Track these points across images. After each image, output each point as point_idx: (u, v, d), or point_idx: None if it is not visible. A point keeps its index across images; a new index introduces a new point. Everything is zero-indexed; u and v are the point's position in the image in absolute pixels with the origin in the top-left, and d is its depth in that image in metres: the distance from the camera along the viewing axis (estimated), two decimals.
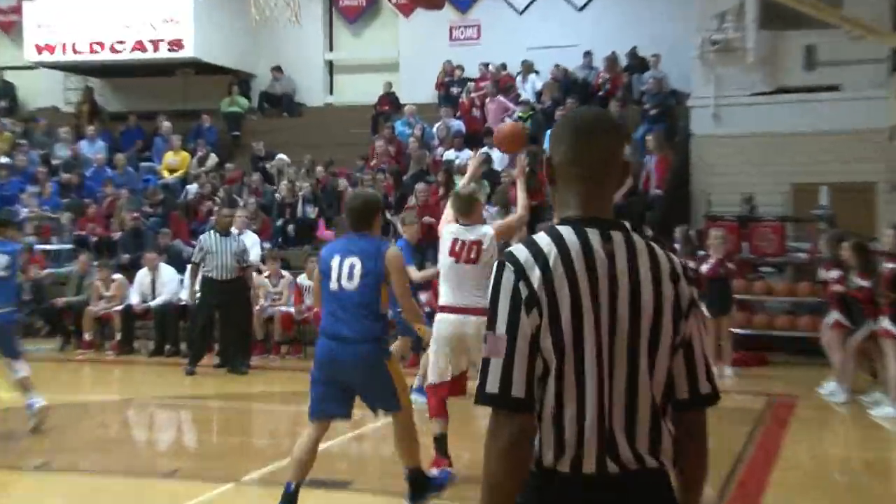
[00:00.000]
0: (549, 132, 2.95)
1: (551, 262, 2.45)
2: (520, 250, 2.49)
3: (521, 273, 2.45)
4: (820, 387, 10.83)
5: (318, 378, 6.16)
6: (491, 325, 2.47)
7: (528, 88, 18.46)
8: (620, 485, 2.46)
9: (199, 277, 13.25)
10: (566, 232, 2.52)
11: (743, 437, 8.72)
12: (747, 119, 16.24)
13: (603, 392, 2.45)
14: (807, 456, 8.71)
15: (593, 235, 2.51)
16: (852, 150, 15.23)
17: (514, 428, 2.42)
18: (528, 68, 18.79)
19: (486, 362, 2.46)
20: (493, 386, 2.43)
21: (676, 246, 13.58)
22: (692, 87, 17.07)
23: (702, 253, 13.79)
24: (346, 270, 6.03)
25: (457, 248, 7.03)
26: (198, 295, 13.42)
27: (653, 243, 2.59)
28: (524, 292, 2.44)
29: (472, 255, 6.99)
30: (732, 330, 12.67)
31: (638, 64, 18.08)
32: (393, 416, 6.37)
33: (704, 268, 12.67)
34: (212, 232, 13.47)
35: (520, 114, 17.39)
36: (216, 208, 16.37)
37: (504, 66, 18.96)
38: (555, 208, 2.72)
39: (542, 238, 2.52)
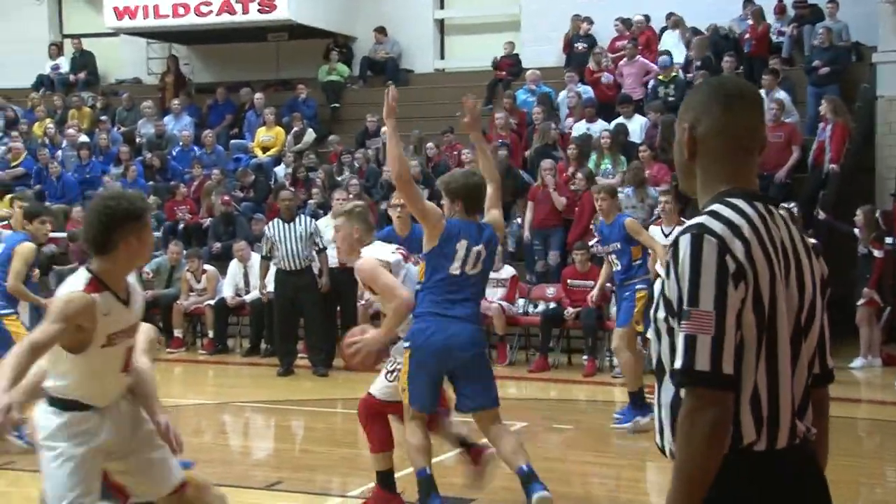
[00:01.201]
0: (687, 99, 2.92)
1: (747, 235, 2.62)
2: (712, 222, 2.63)
3: (723, 245, 2.58)
4: None
5: (427, 366, 6.55)
6: (693, 300, 2.57)
7: (672, 46, 18.04)
8: (798, 455, 2.71)
9: (275, 271, 13.79)
10: (743, 205, 2.69)
11: None
12: None
13: (792, 367, 2.68)
14: None
15: (762, 209, 2.71)
16: None
17: (722, 407, 2.56)
18: (675, 23, 18.39)
19: (690, 339, 2.56)
20: (702, 363, 2.54)
21: (857, 231, 13.55)
22: (878, 40, 16.66)
23: (890, 240, 13.59)
24: (473, 258, 6.55)
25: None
26: (270, 290, 14.00)
27: (783, 213, 2.82)
28: (731, 265, 2.57)
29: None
30: None
31: (807, 13, 17.54)
32: (483, 414, 6.73)
33: None
34: (276, 220, 13.94)
35: (661, 77, 17.21)
36: (314, 190, 16.79)
37: (647, 19, 18.72)
38: (695, 184, 2.86)
39: (727, 210, 2.66)
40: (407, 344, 6.77)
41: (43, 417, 4.88)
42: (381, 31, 21.10)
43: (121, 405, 4.99)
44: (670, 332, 2.67)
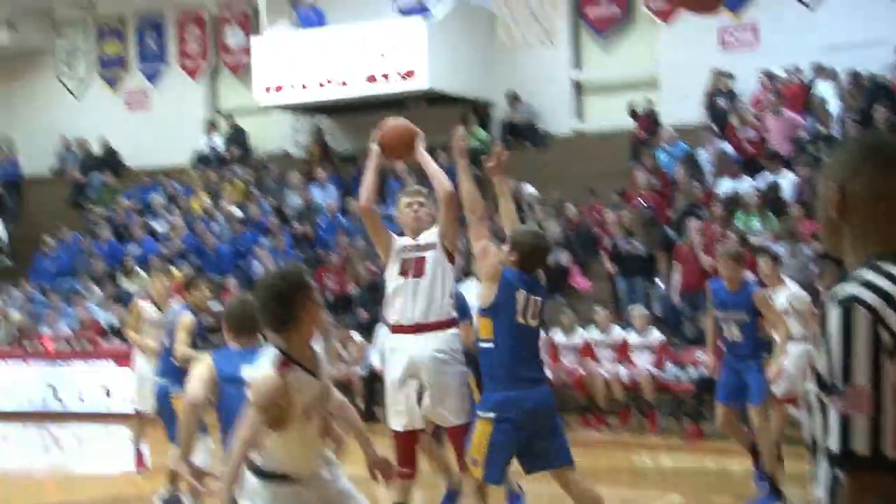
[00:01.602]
0: (836, 157, 2.82)
1: None
2: (862, 291, 2.50)
3: (877, 316, 2.45)
4: None
5: (512, 439, 6.54)
6: (846, 376, 2.44)
7: (826, 96, 17.63)
8: None
9: None
10: (894, 270, 2.56)
11: None
12: None
13: None
14: None
15: None
16: None
17: (886, 494, 2.43)
18: (827, 74, 17.97)
19: (845, 419, 2.44)
20: (861, 446, 2.40)
21: None
22: None
23: None
24: (532, 308, 6.61)
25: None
26: None
27: None
28: (886, 338, 2.44)
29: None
30: None
31: None
32: (561, 472, 6.63)
33: None
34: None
35: (814, 132, 16.89)
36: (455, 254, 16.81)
37: (797, 69, 18.34)
38: (845, 246, 2.73)
39: (874, 277, 2.53)
40: (490, 415, 6.66)
41: (251, 490, 5.12)
42: (514, 97, 21.10)
43: (322, 472, 5.24)
44: (823, 408, 2.54)
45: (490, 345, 6.70)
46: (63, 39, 26.55)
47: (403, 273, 7.28)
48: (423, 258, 7.29)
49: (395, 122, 7.50)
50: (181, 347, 9.45)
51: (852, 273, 2.61)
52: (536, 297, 6.64)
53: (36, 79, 26.97)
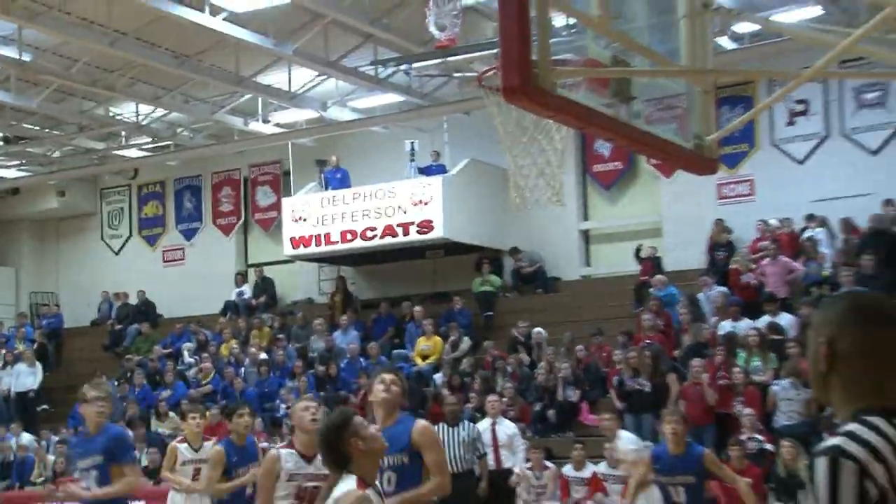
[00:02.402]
0: (825, 312, 2.78)
1: (888, 457, 2.47)
2: (849, 444, 2.48)
3: (863, 469, 2.44)
4: None
5: None
6: None
7: (822, 242, 17.74)
8: None
9: None
10: (881, 424, 2.53)
11: None
12: None
13: None
14: None
15: None
16: None
17: None
18: (818, 222, 18.06)
19: None
20: None
21: None
22: None
23: None
24: None
25: None
26: None
27: None
28: (872, 490, 2.43)
29: None
30: None
31: None
32: None
33: None
34: (442, 424, 13.86)
35: (806, 273, 16.88)
36: (471, 394, 16.66)
37: (786, 222, 18.43)
38: (833, 396, 2.70)
39: (863, 432, 2.51)
40: None
41: None
42: (515, 249, 21.13)
43: None
44: None
45: None
46: (107, 204, 27.12)
47: None
48: None
49: None
50: (206, 481, 9.61)
51: (840, 425, 2.60)
52: None
53: (81, 239, 27.53)
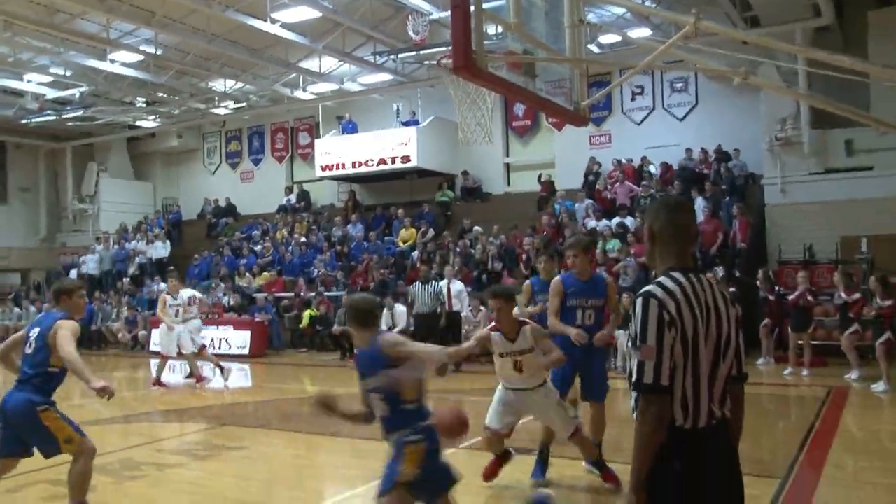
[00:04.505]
0: (648, 209, 2.86)
1: (678, 297, 2.53)
2: (656, 290, 2.55)
3: (663, 304, 2.51)
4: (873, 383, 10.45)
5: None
6: (643, 337, 2.50)
7: (649, 175, 17.74)
8: (715, 430, 2.57)
9: (413, 314, 14.05)
10: (679, 277, 2.59)
11: (812, 415, 8.74)
12: (805, 192, 15.49)
13: (709, 376, 2.55)
14: (857, 428, 8.45)
15: (692, 278, 2.60)
16: (885, 211, 14.24)
17: (662, 404, 2.49)
18: (645, 162, 18.17)
19: (640, 364, 2.50)
20: (648, 378, 2.47)
21: (758, 282, 13.17)
22: (764, 171, 16.28)
23: (777, 288, 13.13)
24: None
25: None
26: (412, 325, 14.10)
27: (710, 279, 2.69)
28: (666, 317, 2.50)
29: None
30: (811, 342, 12.12)
31: (723, 156, 17.26)
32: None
33: (791, 297, 12.12)
34: (417, 282, 14.12)
35: (641, 193, 16.89)
36: (434, 265, 16.86)
37: (630, 161, 18.45)
38: (655, 261, 2.74)
39: (667, 281, 2.58)
40: None
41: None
42: (465, 172, 20.98)
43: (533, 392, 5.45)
44: (632, 357, 2.59)
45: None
46: (206, 143, 26.77)
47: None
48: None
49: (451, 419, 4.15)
50: None
51: (655, 278, 2.65)
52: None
53: (191, 165, 27.17)
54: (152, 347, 17.33)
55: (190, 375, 12.82)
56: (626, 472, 2.65)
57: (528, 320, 5.59)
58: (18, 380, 4.94)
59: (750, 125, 16.76)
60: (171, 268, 15.59)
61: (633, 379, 2.52)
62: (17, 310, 22.12)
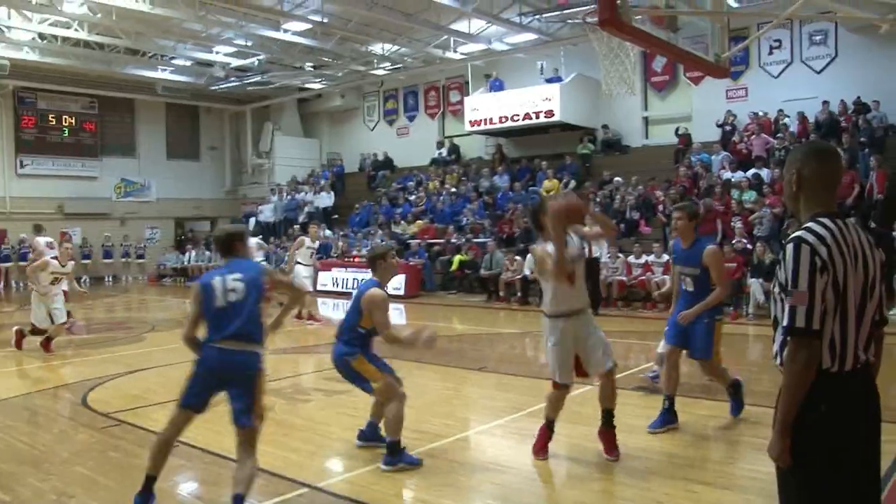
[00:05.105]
0: (794, 154, 2.66)
1: (829, 242, 2.42)
2: (807, 235, 2.44)
3: (814, 249, 2.40)
4: None
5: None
6: (794, 283, 2.39)
7: (786, 127, 17.42)
8: (860, 374, 2.49)
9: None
10: (828, 222, 2.48)
11: None
12: None
13: (857, 321, 2.47)
14: None
15: (840, 223, 2.50)
16: None
17: (813, 348, 2.39)
18: (781, 115, 17.85)
19: (793, 308, 2.39)
20: (801, 322, 2.37)
21: (895, 234, 13.10)
22: None
23: None
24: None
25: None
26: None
27: (855, 225, 2.60)
28: (818, 262, 2.39)
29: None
30: None
31: (862, 108, 16.75)
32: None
33: None
34: None
35: (776, 146, 16.68)
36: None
37: (766, 114, 18.19)
38: (799, 206, 2.60)
39: (817, 226, 2.46)
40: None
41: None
42: (605, 126, 20.99)
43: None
44: (781, 301, 2.47)
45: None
46: (366, 101, 27.32)
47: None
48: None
49: (565, 205, 4.88)
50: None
51: (802, 224, 2.53)
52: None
53: (353, 122, 27.88)
54: (318, 287, 18.26)
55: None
56: (764, 414, 2.69)
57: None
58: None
59: (891, 76, 16.25)
60: (301, 219, 16.11)
61: (784, 323, 2.41)
62: (207, 252, 24.56)
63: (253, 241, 12.62)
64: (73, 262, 10.82)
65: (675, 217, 5.93)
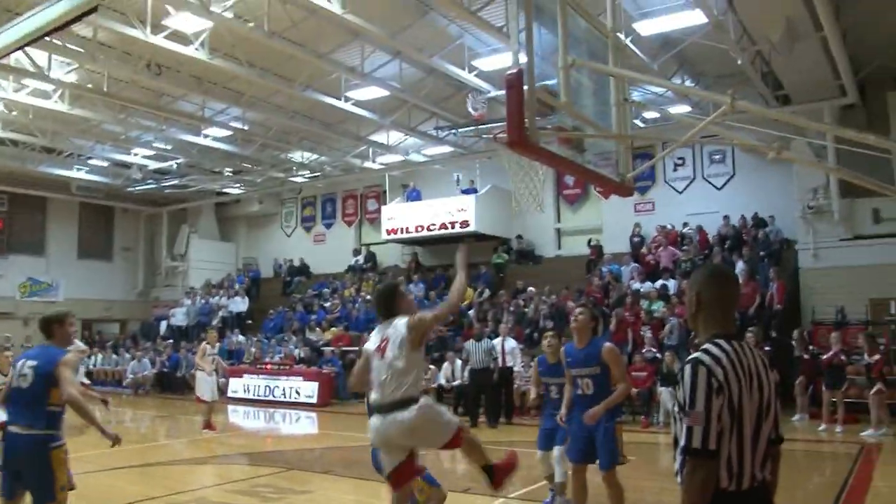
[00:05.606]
0: (694, 276, 2.73)
1: (725, 363, 2.47)
2: (705, 357, 2.48)
3: (712, 371, 2.44)
4: None
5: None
6: (692, 403, 2.42)
7: (690, 240, 17.86)
8: (760, 491, 2.51)
9: (468, 369, 13.81)
10: (724, 344, 2.53)
11: (846, 471, 8.67)
12: (836, 257, 15.67)
13: (753, 440, 2.49)
14: (888, 484, 8.19)
15: (736, 345, 2.55)
16: None
17: (710, 467, 2.41)
18: (687, 226, 18.33)
19: (690, 429, 2.42)
20: (697, 443, 2.40)
21: (794, 342, 13.28)
22: (798, 237, 16.46)
23: (812, 347, 13.20)
24: None
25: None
26: (467, 379, 13.93)
27: (751, 346, 2.64)
28: (715, 384, 2.43)
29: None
30: (844, 400, 12.08)
31: (759, 223, 17.50)
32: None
33: (824, 356, 12.17)
34: (472, 340, 14.07)
35: (682, 257, 16.99)
36: (489, 323, 16.59)
37: (672, 227, 18.70)
38: (699, 326, 2.66)
39: (714, 348, 2.51)
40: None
41: None
42: (519, 237, 21.22)
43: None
44: (679, 421, 2.50)
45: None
46: (284, 208, 27.24)
47: None
48: None
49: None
50: None
51: (700, 344, 2.58)
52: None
53: (270, 228, 27.65)
54: (229, 394, 17.92)
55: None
56: None
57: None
58: None
59: (784, 194, 16.95)
60: (214, 323, 15.84)
61: (682, 443, 2.44)
62: (114, 356, 23.35)
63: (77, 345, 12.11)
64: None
65: (577, 312, 5.78)
